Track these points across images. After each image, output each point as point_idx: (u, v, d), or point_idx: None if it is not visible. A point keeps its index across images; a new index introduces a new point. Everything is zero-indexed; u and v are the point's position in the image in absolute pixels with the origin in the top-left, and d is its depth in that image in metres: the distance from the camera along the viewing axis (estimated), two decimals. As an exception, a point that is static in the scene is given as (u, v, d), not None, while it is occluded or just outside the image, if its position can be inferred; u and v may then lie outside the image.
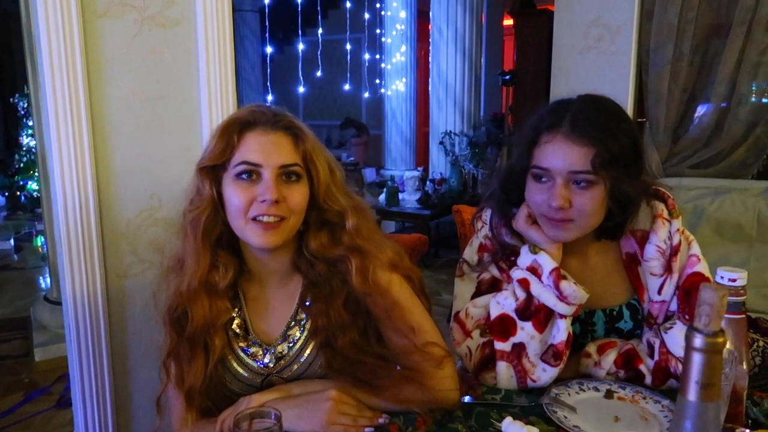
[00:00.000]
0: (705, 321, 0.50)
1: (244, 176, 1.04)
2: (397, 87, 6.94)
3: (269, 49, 5.41)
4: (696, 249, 1.20)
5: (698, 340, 0.51)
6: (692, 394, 0.52)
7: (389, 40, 7.00)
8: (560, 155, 1.10)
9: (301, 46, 5.62)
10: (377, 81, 7.45)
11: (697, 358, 0.51)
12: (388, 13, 6.88)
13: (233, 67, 1.77)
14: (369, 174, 7.03)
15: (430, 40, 6.18)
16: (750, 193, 2.62)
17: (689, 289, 1.16)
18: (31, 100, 3.37)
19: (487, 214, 1.30)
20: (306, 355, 1.12)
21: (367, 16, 6.89)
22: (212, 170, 1.08)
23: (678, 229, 1.18)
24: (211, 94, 1.73)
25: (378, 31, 7.19)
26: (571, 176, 1.10)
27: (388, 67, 7.06)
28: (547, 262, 1.14)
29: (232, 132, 1.06)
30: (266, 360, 1.12)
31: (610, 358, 1.17)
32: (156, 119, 1.71)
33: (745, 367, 0.89)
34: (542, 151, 1.13)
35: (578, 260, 1.23)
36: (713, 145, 2.77)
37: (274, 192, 1.01)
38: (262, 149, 1.04)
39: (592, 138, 1.09)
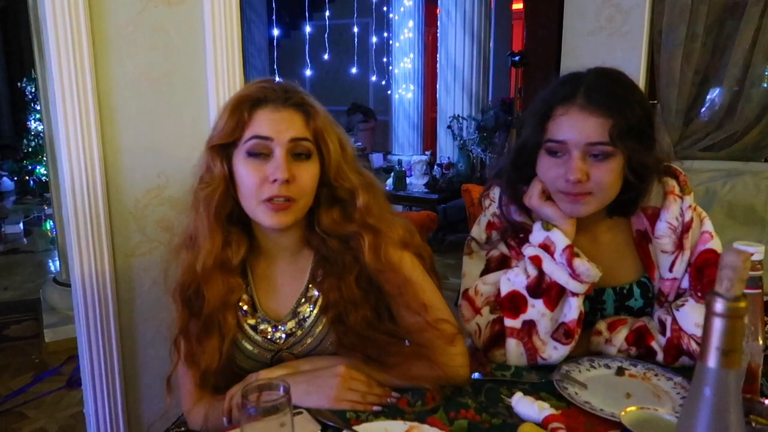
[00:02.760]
0: (727, 285, 0.49)
1: (255, 153, 1.03)
2: (404, 65, 6.86)
3: (276, 32, 5.37)
4: (708, 226, 1.18)
5: (719, 305, 0.49)
6: (712, 360, 0.50)
7: (397, 17, 6.92)
8: (577, 127, 1.08)
9: (308, 29, 5.58)
10: (384, 59, 7.38)
11: (718, 324, 0.49)
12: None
13: (240, 44, 1.75)
14: (376, 159, 7.00)
15: (438, 23, 6.12)
16: (763, 175, 2.59)
17: (701, 266, 1.15)
18: (39, 85, 3.37)
19: (494, 192, 1.28)
20: (318, 331, 1.11)
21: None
22: (223, 148, 1.06)
23: (690, 206, 1.17)
24: (218, 72, 1.71)
25: (385, 8, 7.11)
26: (589, 148, 1.08)
27: (397, 44, 6.99)
28: (561, 239, 1.12)
29: (242, 109, 1.05)
30: (276, 336, 1.12)
31: (621, 336, 1.16)
32: (162, 98, 1.70)
33: (761, 342, 0.88)
34: (557, 124, 1.11)
35: (588, 238, 1.22)
36: (726, 128, 2.74)
37: (285, 171, 1.00)
38: (273, 125, 1.03)
39: (609, 108, 1.07)
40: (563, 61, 2.84)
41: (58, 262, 3.69)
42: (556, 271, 1.12)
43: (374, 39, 7.27)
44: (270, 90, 1.06)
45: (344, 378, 1.01)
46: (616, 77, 1.14)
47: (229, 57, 1.73)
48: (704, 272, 1.14)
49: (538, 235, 1.16)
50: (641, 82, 2.68)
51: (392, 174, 5.20)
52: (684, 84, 2.71)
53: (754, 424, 0.66)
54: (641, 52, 2.69)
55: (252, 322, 1.12)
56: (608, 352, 1.16)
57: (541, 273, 1.13)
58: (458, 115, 5.86)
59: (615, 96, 1.09)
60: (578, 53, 2.77)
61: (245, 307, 1.13)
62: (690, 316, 1.11)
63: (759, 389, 0.91)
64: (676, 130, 2.77)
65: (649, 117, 1.12)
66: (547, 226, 1.15)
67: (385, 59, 7.56)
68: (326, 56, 6.10)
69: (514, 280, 1.16)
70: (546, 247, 1.14)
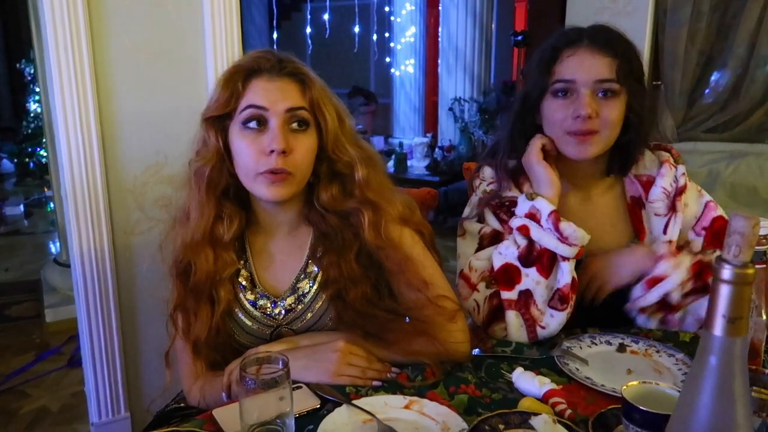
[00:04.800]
0: (735, 251, 0.47)
1: (251, 124, 1.01)
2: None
3: (276, 12, 5.31)
4: (708, 196, 1.24)
5: (727, 272, 0.48)
6: (718, 328, 0.49)
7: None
8: (586, 65, 1.12)
9: (308, 11, 5.52)
10: (386, 42, 7.31)
11: (724, 291, 0.48)
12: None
13: (239, 21, 1.73)
14: (377, 142, 6.96)
15: (440, 4, 6.05)
16: (766, 157, 2.58)
17: (717, 231, 1.19)
18: (37, 66, 3.34)
19: (485, 172, 1.30)
20: (317, 307, 1.11)
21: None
22: (218, 120, 1.05)
23: (683, 173, 1.22)
24: (216, 47, 1.70)
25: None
26: (597, 86, 1.12)
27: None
28: (545, 206, 1.13)
29: (236, 80, 1.03)
30: (275, 312, 1.11)
31: (686, 262, 1.11)
32: (161, 75, 1.69)
33: (764, 318, 0.87)
34: (565, 65, 1.14)
35: (582, 197, 1.24)
36: (730, 109, 2.72)
37: (282, 141, 0.99)
38: (268, 94, 1.01)
39: (614, 49, 1.12)
40: (566, 41, 2.81)
41: (58, 244, 3.69)
42: (544, 236, 1.12)
43: (375, 20, 7.20)
44: (264, 60, 1.04)
45: (344, 353, 1.01)
46: (614, 28, 1.19)
47: (228, 33, 1.71)
48: (720, 238, 1.17)
49: (523, 206, 1.17)
50: (645, 63, 2.65)
51: (393, 156, 5.17)
52: (688, 65, 2.69)
53: (757, 395, 0.66)
54: (645, 32, 2.66)
55: (251, 297, 1.12)
56: (670, 281, 1.10)
57: (530, 242, 1.14)
58: (460, 98, 5.81)
59: (618, 40, 1.15)
60: (582, 32, 2.73)
61: (244, 283, 1.12)
62: None
63: (762, 364, 0.91)
64: (680, 112, 2.75)
65: (641, 66, 1.18)
66: (531, 195, 1.16)
67: (387, 41, 7.49)
68: (327, 39, 6.04)
69: (505, 252, 1.16)
70: (532, 216, 1.15)
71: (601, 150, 1.16)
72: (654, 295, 1.11)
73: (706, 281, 1.10)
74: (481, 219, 1.26)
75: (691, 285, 1.11)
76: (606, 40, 1.13)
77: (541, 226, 1.13)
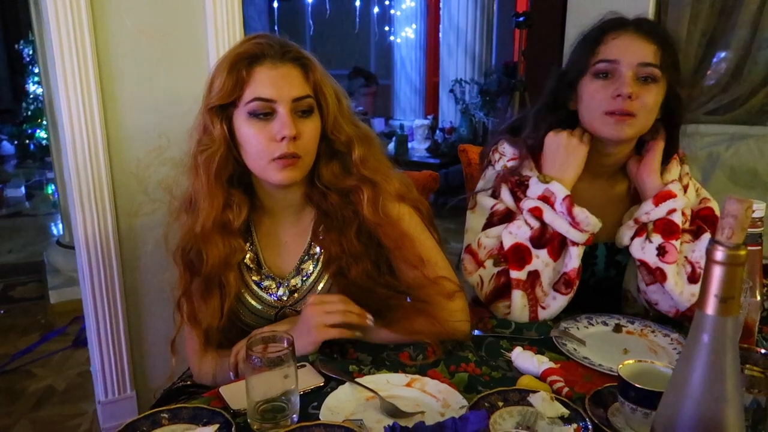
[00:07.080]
0: (728, 233, 0.49)
1: (258, 114, 1.02)
2: (406, 34, 6.74)
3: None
4: (706, 193, 1.26)
5: (720, 253, 0.50)
6: (711, 308, 0.51)
7: (399, 12, 6.78)
8: (631, 48, 1.13)
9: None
10: (386, 28, 7.25)
11: (717, 271, 0.50)
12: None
13: (240, 2, 1.72)
14: (378, 124, 6.94)
15: (442, -16, 5.99)
16: (766, 139, 2.57)
17: (703, 217, 1.20)
18: (37, 47, 3.32)
19: (504, 147, 1.28)
20: (320, 288, 1.13)
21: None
22: (222, 109, 1.05)
23: (687, 173, 1.25)
24: (217, 28, 1.69)
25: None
26: (639, 69, 1.11)
27: (398, 13, 6.87)
28: (560, 190, 1.15)
29: (240, 67, 1.03)
30: (280, 293, 1.13)
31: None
32: (162, 56, 1.69)
33: (758, 298, 0.89)
34: (610, 46, 1.14)
35: (593, 188, 1.24)
36: (731, 91, 2.71)
37: (292, 128, 1.00)
38: (274, 83, 1.02)
39: (659, 37, 1.14)
40: (569, 21, 2.79)
41: (60, 225, 3.71)
42: (556, 220, 1.14)
43: (376, 0, 7.13)
44: (266, 45, 1.04)
45: (315, 304, 1.00)
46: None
47: (229, 15, 1.71)
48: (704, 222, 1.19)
49: (535, 188, 1.18)
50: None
51: (394, 138, 5.17)
52: (690, 45, 2.67)
53: (749, 373, 0.68)
54: (648, 13, 2.63)
55: (257, 278, 1.14)
56: (678, 200, 1.16)
57: (543, 224, 1.15)
58: (461, 79, 5.79)
59: (662, 30, 1.18)
60: (584, 13, 2.69)
61: (250, 264, 1.14)
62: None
63: (756, 344, 0.93)
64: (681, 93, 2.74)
65: (679, 60, 1.17)
66: (545, 178, 1.17)
67: (387, 24, 7.43)
68: (327, 19, 5.99)
69: (516, 232, 1.17)
70: (546, 199, 1.16)
71: (636, 133, 1.15)
72: (662, 210, 1.14)
73: (699, 224, 1.17)
74: (495, 195, 1.26)
75: (688, 224, 1.17)
76: (651, 27, 1.15)
77: (554, 210, 1.14)
